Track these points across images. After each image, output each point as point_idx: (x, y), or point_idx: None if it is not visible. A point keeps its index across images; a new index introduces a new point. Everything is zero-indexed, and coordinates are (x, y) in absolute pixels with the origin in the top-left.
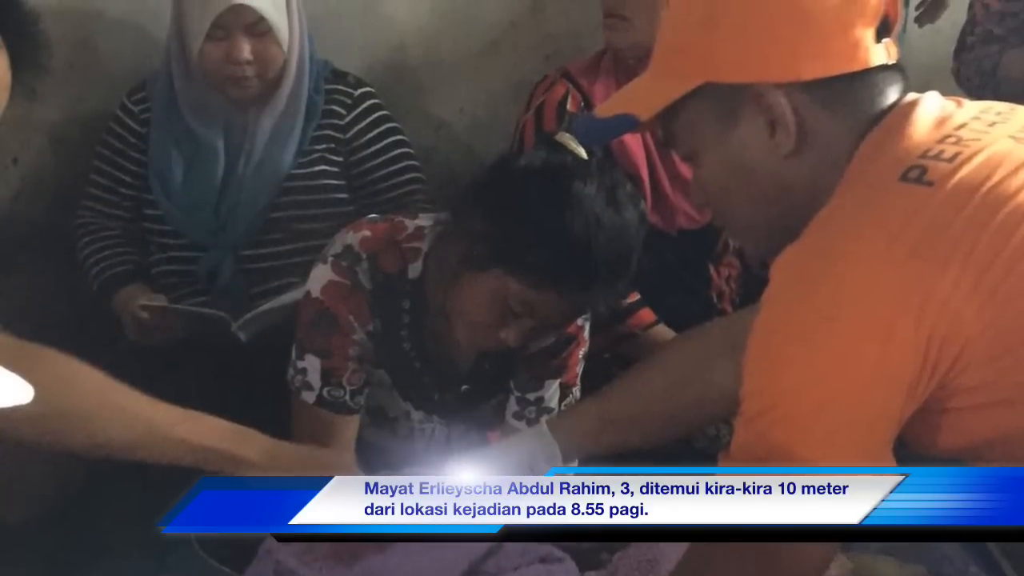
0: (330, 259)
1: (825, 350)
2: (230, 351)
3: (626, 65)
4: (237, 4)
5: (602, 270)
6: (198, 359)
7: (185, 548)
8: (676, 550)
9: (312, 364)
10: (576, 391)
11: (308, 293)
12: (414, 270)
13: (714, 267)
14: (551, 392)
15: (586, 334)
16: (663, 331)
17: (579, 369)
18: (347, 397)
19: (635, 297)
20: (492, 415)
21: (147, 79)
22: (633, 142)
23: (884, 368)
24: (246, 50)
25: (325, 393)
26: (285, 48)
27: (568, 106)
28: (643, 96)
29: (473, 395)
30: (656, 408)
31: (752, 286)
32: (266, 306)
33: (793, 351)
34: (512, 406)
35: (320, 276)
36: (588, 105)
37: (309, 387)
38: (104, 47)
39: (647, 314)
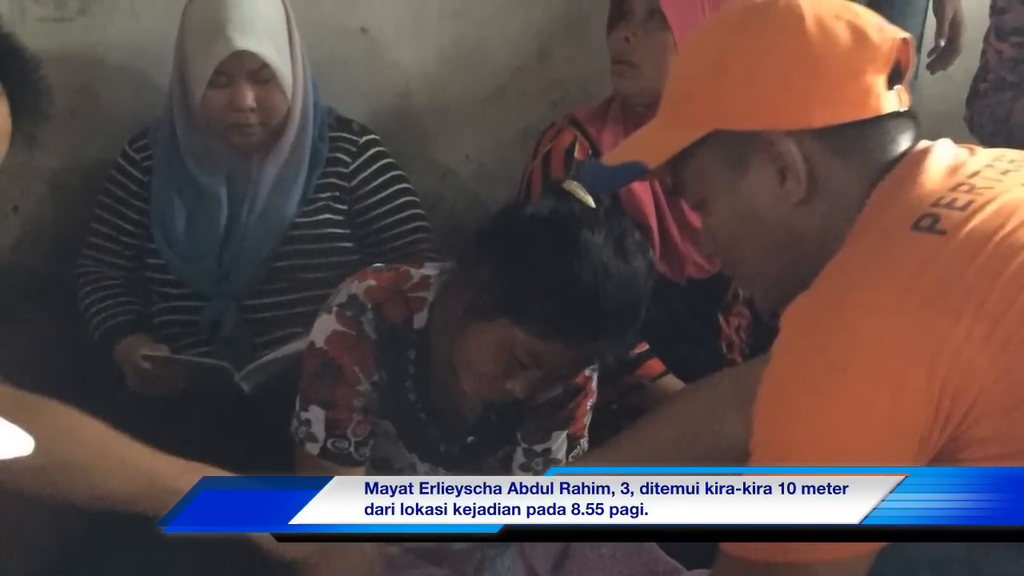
0: (334, 309)
1: (836, 401)
2: (233, 402)
3: (634, 112)
4: (240, 50)
5: (610, 320)
6: (201, 410)
7: None
8: None
9: (316, 415)
10: (584, 442)
11: (312, 343)
12: (419, 320)
13: (724, 317)
14: (558, 443)
15: (594, 384)
16: (672, 382)
17: (587, 420)
18: (352, 448)
19: (643, 347)
20: (498, 467)
21: (149, 126)
22: (641, 190)
23: (896, 419)
24: (249, 97)
25: (329, 444)
26: (289, 95)
27: (575, 153)
28: (651, 144)
29: (479, 447)
30: (665, 460)
31: (762, 336)
32: (270, 356)
33: (804, 402)
34: (519, 458)
35: (324, 326)
36: (596, 152)
37: (313, 438)
38: (105, 94)
39: (656, 364)
